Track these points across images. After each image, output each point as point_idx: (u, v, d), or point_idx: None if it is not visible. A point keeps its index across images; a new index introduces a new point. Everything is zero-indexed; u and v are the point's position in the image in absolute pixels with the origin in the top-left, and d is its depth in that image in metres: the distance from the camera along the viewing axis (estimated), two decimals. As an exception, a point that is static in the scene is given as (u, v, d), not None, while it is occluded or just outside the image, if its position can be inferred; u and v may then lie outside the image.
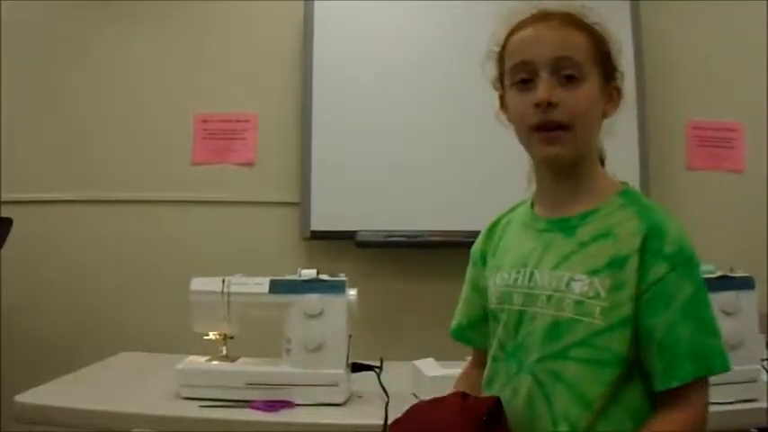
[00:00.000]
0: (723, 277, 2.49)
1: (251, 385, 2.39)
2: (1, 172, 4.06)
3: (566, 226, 1.54)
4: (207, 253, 3.98)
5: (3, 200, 3.95)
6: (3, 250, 3.57)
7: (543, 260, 1.53)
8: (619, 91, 1.57)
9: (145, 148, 4.12)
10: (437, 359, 2.55)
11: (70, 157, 4.13)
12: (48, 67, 4.17)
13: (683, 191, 4.10)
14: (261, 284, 2.51)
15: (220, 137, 4.12)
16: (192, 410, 2.32)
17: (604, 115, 1.55)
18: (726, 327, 2.38)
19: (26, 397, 2.40)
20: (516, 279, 1.56)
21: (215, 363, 2.51)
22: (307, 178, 3.95)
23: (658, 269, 1.40)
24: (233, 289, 2.50)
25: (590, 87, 1.50)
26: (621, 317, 1.41)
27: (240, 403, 2.35)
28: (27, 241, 3.90)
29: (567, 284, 1.47)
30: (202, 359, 2.54)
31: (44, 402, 2.38)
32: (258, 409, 2.31)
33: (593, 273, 1.44)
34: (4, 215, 3.58)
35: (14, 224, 3.55)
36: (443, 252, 3.93)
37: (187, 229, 4.09)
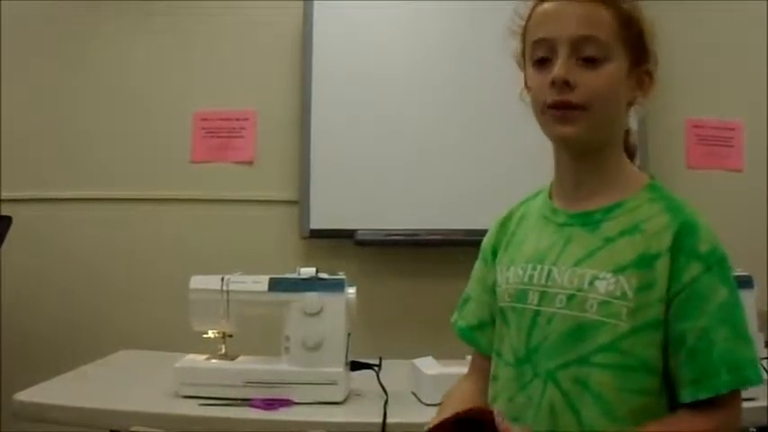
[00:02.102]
0: (722, 276, 2.49)
1: (250, 383, 2.40)
2: (0, 170, 4.06)
3: (589, 220, 1.43)
4: (206, 251, 3.98)
5: (2, 198, 3.95)
6: (2, 248, 3.56)
7: (563, 256, 1.42)
8: (651, 75, 1.44)
9: (144, 145, 4.12)
10: (436, 357, 2.56)
11: (69, 156, 4.12)
12: (47, 66, 4.17)
13: (682, 189, 3.98)
14: (260, 283, 2.51)
15: (220, 135, 4.12)
16: (192, 409, 2.32)
17: (631, 102, 1.45)
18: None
19: (25, 395, 2.40)
20: (532, 276, 1.46)
21: (214, 361, 2.52)
22: (306, 176, 3.95)
23: (692, 269, 1.31)
24: (232, 287, 2.50)
25: (614, 68, 1.38)
26: (648, 319, 1.32)
27: (239, 401, 2.35)
28: (26, 239, 3.90)
29: (591, 283, 1.36)
30: (201, 357, 2.54)
31: (43, 400, 2.38)
32: (257, 407, 2.31)
33: (619, 270, 1.34)
34: (3, 213, 3.58)
35: (14, 222, 3.55)
36: (443, 251, 3.94)
37: (186, 227, 4.09)
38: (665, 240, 1.33)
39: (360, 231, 3.85)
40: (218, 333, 2.55)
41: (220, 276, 2.52)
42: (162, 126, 4.12)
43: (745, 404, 2.35)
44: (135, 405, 2.34)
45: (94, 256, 4.09)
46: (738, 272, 2.47)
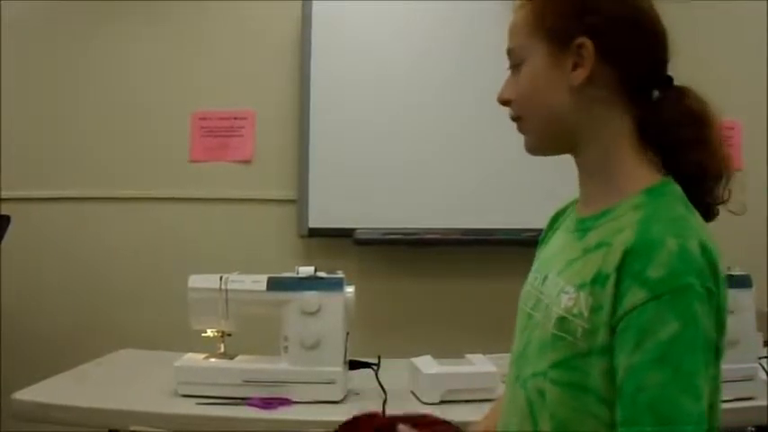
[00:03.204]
0: (721, 275, 2.49)
1: (249, 382, 2.40)
2: (2, 169, 4.06)
3: (582, 227, 1.35)
4: (205, 250, 3.98)
5: (1, 197, 3.95)
6: (1, 248, 3.57)
7: (556, 263, 1.36)
8: (583, 46, 1.28)
9: (142, 145, 4.12)
10: (435, 356, 2.56)
11: (68, 155, 4.12)
12: (46, 66, 4.17)
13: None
14: (258, 282, 2.51)
15: (218, 134, 4.12)
16: (190, 408, 2.32)
17: (575, 86, 1.30)
18: (723, 325, 2.41)
19: (25, 394, 2.40)
20: (536, 279, 1.42)
21: (213, 360, 2.52)
22: (304, 176, 3.94)
23: (635, 295, 1.13)
24: (231, 286, 2.50)
25: (528, 67, 1.34)
26: (597, 344, 1.18)
27: (238, 400, 2.36)
28: (25, 238, 3.90)
29: (558, 295, 1.29)
30: (200, 356, 2.55)
31: (43, 399, 2.38)
32: (256, 406, 2.31)
33: (581, 287, 1.23)
34: (2, 212, 3.58)
35: (13, 221, 3.55)
36: (441, 250, 3.94)
37: (185, 226, 4.09)
38: (617, 259, 1.17)
39: (358, 230, 3.85)
40: (217, 332, 2.55)
41: (219, 275, 2.52)
42: (161, 126, 4.12)
43: (745, 403, 2.38)
44: (134, 404, 2.34)
45: (93, 256, 4.09)
46: (737, 271, 2.49)
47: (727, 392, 2.35)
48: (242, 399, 2.36)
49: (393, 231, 3.88)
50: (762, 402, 2.36)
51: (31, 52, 4.16)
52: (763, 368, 2.45)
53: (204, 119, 4.11)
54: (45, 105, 4.15)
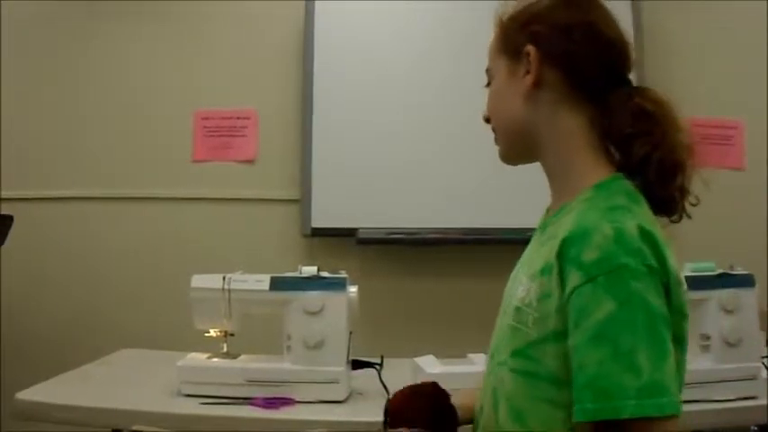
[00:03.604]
0: (723, 275, 2.49)
1: (251, 382, 2.40)
2: (1, 169, 4.06)
3: (544, 224, 1.46)
4: (207, 250, 3.99)
5: (3, 197, 3.95)
6: (3, 247, 3.57)
7: (523, 260, 1.48)
8: (530, 54, 1.40)
9: (145, 145, 4.12)
10: (437, 356, 2.56)
11: (70, 155, 4.13)
12: (47, 65, 4.17)
13: (683, 188, 4.10)
14: (261, 281, 2.51)
15: (221, 134, 4.12)
16: (193, 407, 2.32)
17: (529, 92, 1.41)
18: (726, 324, 2.41)
19: (27, 394, 2.40)
20: (512, 277, 1.51)
21: (216, 360, 2.52)
22: (307, 175, 3.95)
23: (573, 279, 1.21)
24: (233, 286, 2.50)
25: (496, 81, 1.49)
26: (549, 330, 1.26)
27: (241, 400, 2.35)
28: (27, 238, 3.90)
29: (516, 288, 1.39)
30: (203, 356, 2.55)
31: (45, 400, 2.38)
32: (259, 406, 2.31)
33: (532, 278, 1.33)
34: (5, 212, 3.59)
35: (15, 221, 3.56)
36: (444, 249, 3.94)
37: (188, 226, 4.09)
38: (556, 247, 1.26)
39: (361, 230, 3.85)
40: (220, 332, 2.55)
41: (222, 275, 2.52)
42: (163, 125, 4.13)
43: (748, 402, 2.38)
44: (137, 404, 2.34)
45: (96, 255, 4.09)
46: (739, 270, 2.49)
47: (729, 392, 2.36)
48: (245, 398, 2.36)
49: (396, 231, 3.88)
50: (764, 402, 2.36)
51: (30, 50, 4.16)
52: (766, 367, 2.45)
53: (207, 118, 4.11)
54: (46, 105, 4.16)
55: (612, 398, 1.13)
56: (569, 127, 1.41)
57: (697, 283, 2.48)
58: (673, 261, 1.24)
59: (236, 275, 2.53)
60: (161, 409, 2.32)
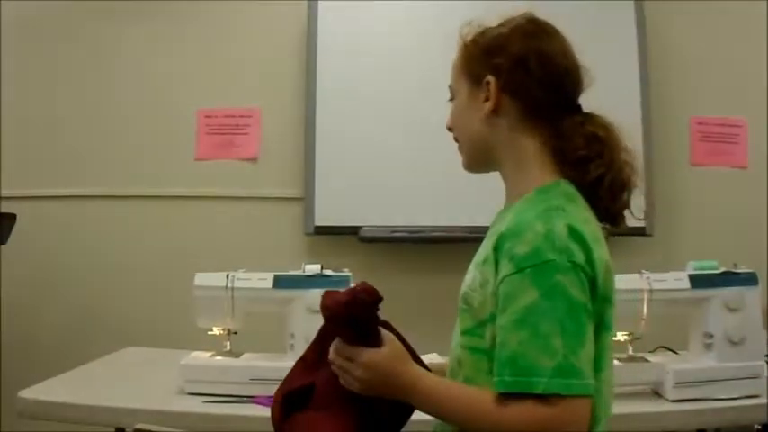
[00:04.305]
0: (727, 273, 2.49)
1: (255, 380, 2.40)
2: (3, 168, 4.07)
3: (494, 221, 1.61)
4: (211, 248, 3.98)
5: (5, 195, 3.96)
6: (6, 246, 3.57)
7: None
8: (490, 84, 1.55)
9: (148, 143, 4.12)
10: (441, 354, 2.55)
11: (73, 154, 4.13)
12: (50, 64, 4.17)
13: (686, 186, 4.10)
14: (265, 280, 2.51)
15: (224, 132, 4.12)
16: (196, 406, 2.32)
17: (489, 115, 1.56)
18: (729, 323, 2.41)
19: (30, 393, 2.41)
20: None
21: (219, 358, 2.52)
22: (310, 173, 3.95)
23: (505, 269, 1.36)
24: (237, 284, 2.50)
25: (457, 101, 1.66)
26: (488, 312, 1.42)
27: (244, 398, 2.36)
28: (30, 237, 3.90)
29: (466, 276, 1.56)
30: (206, 354, 2.55)
31: (48, 398, 2.39)
32: (262, 404, 2.31)
33: (476, 266, 1.50)
34: (8, 211, 3.59)
35: (18, 219, 3.56)
36: (447, 247, 3.93)
37: (191, 224, 4.09)
38: (494, 241, 1.41)
39: (364, 228, 3.85)
40: (223, 330, 2.55)
41: (225, 273, 2.52)
42: (166, 124, 4.13)
43: (751, 401, 2.38)
44: (140, 402, 2.34)
45: (99, 254, 4.09)
46: (743, 269, 2.49)
47: (733, 390, 2.36)
48: (248, 397, 2.36)
49: (399, 229, 3.88)
50: (764, 401, 2.36)
51: (33, 49, 4.16)
52: (770, 365, 2.45)
53: (210, 117, 4.11)
54: (49, 103, 4.16)
55: (528, 374, 1.28)
56: (524, 147, 1.55)
57: (700, 281, 2.48)
58: (600, 254, 1.39)
59: (240, 274, 2.54)
60: (164, 407, 2.32)
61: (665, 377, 2.42)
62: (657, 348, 2.78)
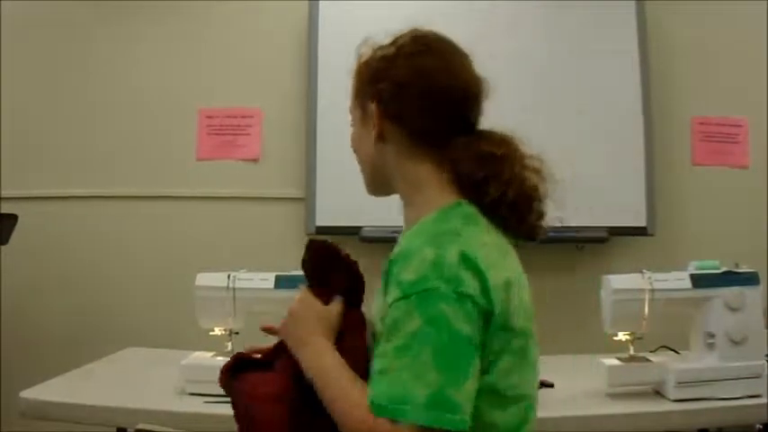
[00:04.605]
0: (728, 273, 2.49)
1: (256, 381, 2.39)
2: (3, 168, 4.07)
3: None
4: (212, 249, 3.98)
5: (6, 196, 3.96)
6: (6, 246, 3.57)
7: None
8: (373, 111, 1.54)
9: (149, 143, 4.12)
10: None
11: (74, 154, 4.13)
12: (51, 64, 4.17)
13: (688, 186, 4.10)
14: (266, 280, 2.52)
15: (225, 132, 4.12)
16: (198, 406, 2.33)
17: (379, 140, 1.55)
18: (731, 322, 2.41)
19: (31, 393, 2.41)
20: None
21: (220, 358, 2.52)
22: (312, 174, 3.94)
23: (391, 294, 1.32)
24: (238, 284, 2.50)
25: (353, 125, 1.65)
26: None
27: (245, 399, 2.35)
28: (31, 237, 3.90)
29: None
30: (208, 355, 2.55)
31: (49, 398, 2.39)
32: (263, 404, 2.31)
33: (378, 292, 1.44)
34: (9, 211, 3.59)
35: (19, 219, 3.56)
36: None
37: (192, 224, 4.09)
38: (386, 266, 1.39)
39: (365, 228, 3.85)
40: (225, 330, 2.56)
41: (227, 273, 2.53)
42: (167, 124, 4.12)
43: (753, 401, 2.38)
44: (141, 402, 2.34)
45: (100, 254, 4.09)
46: (744, 268, 2.49)
47: (734, 390, 2.36)
48: (249, 397, 2.36)
49: (400, 229, 3.87)
50: (764, 400, 2.36)
51: (34, 49, 4.16)
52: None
53: (211, 117, 4.11)
54: (50, 103, 4.15)
55: (401, 402, 1.25)
56: (416, 172, 1.52)
57: (702, 281, 2.48)
58: (497, 280, 1.33)
59: (241, 274, 2.54)
60: (165, 407, 2.33)
61: (666, 377, 2.43)
62: (659, 348, 2.78)
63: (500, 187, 1.43)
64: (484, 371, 1.32)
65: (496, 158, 1.45)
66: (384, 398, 1.26)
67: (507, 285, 1.35)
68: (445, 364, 1.26)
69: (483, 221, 1.44)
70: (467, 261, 1.31)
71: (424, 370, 1.25)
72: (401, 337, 1.28)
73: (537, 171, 1.48)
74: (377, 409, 1.26)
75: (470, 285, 1.30)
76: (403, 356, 1.27)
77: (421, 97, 1.49)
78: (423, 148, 1.50)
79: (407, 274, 1.31)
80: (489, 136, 1.50)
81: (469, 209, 1.45)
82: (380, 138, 1.53)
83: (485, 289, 1.31)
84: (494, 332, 1.32)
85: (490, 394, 1.33)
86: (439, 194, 1.48)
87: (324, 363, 1.39)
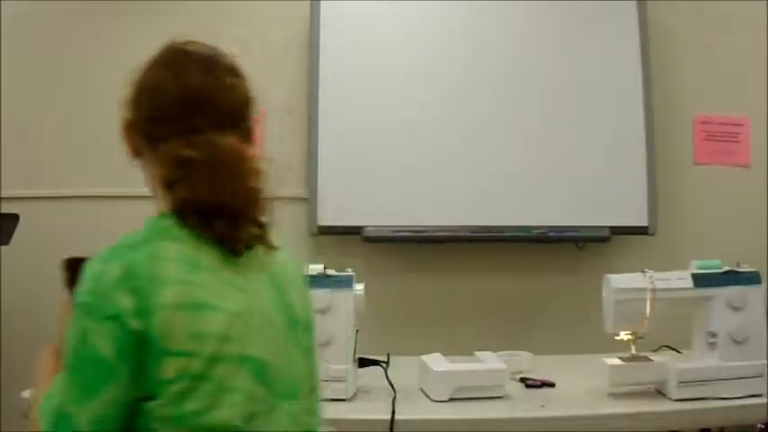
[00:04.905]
0: (730, 272, 2.49)
1: (258, 380, 2.39)
2: (3, 168, 4.07)
3: None
4: (214, 248, 3.97)
5: (7, 196, 3.96)
6: (6, 246, 3.57)
7: None
8: None
9: (151, 143, 4.11)
10: (444, 354, 2.56)
11: (74, 154, 4.11)
12: (51, 64, 4.16)
13: (689, 185, 4.10)
14: (267, 280, 2.51)
15: (227, 132, 4.11)
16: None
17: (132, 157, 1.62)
18: (732, 322, 2.42)
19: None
20: None
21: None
22: (314, 174, 3.94)
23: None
24: (240, 284, 2.50)
25: None
26: None
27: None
28: (31, 237, 3.89)
29: None
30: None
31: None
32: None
33: None
34: (9, 211, 3.59)
35: (19, 220, 3.56)
36: (450, 247, 3.94)
37: (194, 224, 4.08)
38: None
39: (368, 228, 3.85)
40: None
41: (228, 274, 2.52)
42: (169, 124, 4.12)
43: (754, 400, 2.38)
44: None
45: (101, 254, 4.08)
46: (746, 268, 2.49)
47: (736, 389, 2.36)
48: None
49: (402, 229, 3.88)
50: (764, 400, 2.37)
51: (34, 48, 4.15)
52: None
53: (212, 117, 4.10)
54: (49, 103, 4.14)
55: (46, 400, 1.32)
56: (149, 180, 1.55)
57: (703, 280, 2.48)
58: (167, 299, 1.27)
59: (243, 274, 2.53)
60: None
61: (668, 376, 2.43)
62: (660, 347, 2.78)
63: (182, 192, 1.41)
64: (149, 396, 1.25)
65: (191, 162, 1.42)
66: (53, 391, 1.33)
67: (183, 306, 1.28)
68: (76, 380, 1.28)
69: (178, 234, 1.38)
70: (131, 279, 1.27)
71: (64, 378, 1.29)
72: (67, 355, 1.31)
73: (256, 179, 1.56)
74: (45, 397, 1.35)
75: (123, 305, 1.25)
76: (66, 361, 1.30)
77: (150, 108, 1.56)
78: (150, 155, 1.53)
79: (81, 284, 1.32)
80: (198, 140, 1.46)
81: (167, 221, 1.41)
82: (136, 154, 1.62)
83: (142, 310, 1.25)
84: (155, 355, 1.25)
85: (164, 421, 1.25)
86: (161, 205, 1.47)
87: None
